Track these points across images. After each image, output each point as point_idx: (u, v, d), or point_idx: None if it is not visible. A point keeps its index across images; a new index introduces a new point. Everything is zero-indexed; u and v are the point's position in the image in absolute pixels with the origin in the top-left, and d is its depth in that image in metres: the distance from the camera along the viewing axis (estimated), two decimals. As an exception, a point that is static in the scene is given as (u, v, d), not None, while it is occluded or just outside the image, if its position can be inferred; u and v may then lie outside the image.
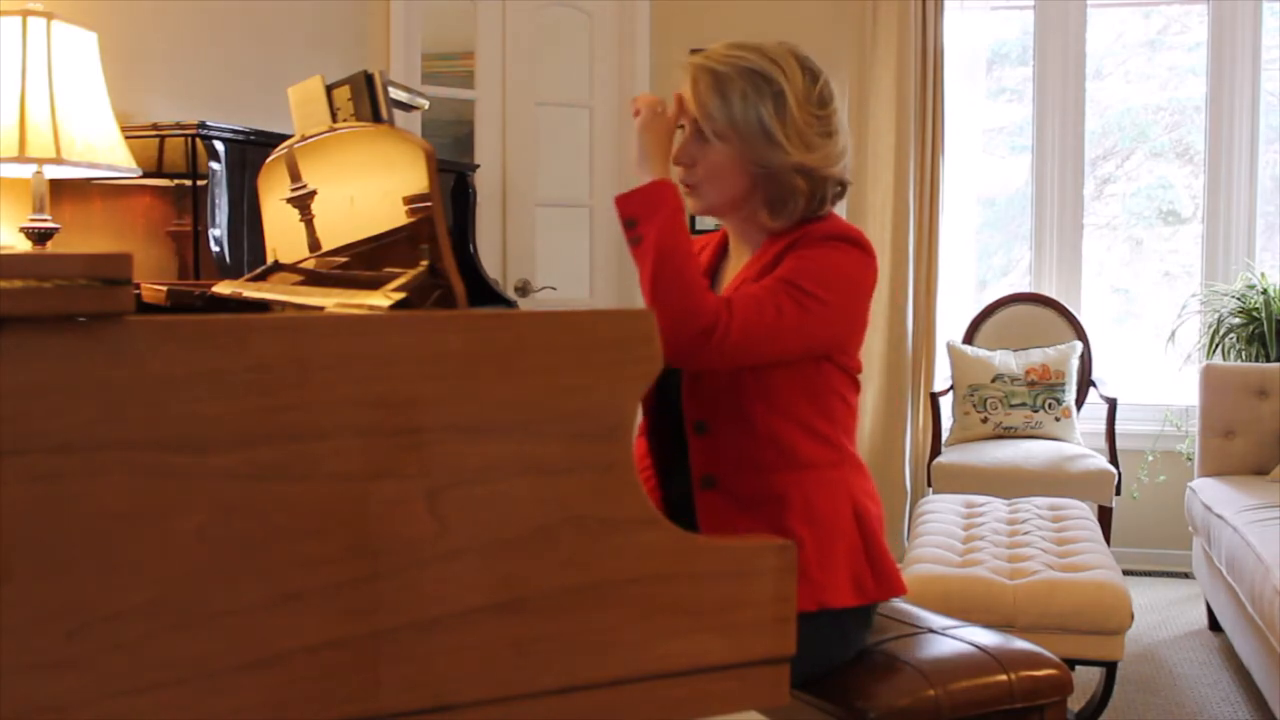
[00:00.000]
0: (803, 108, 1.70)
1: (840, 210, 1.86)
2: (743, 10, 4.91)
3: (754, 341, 1.59)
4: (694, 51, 1.80)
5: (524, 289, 4.60)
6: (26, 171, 2.55)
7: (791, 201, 1.72)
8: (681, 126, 1.75)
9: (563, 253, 4.84)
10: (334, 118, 1.60)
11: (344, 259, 1.58)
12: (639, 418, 1.89)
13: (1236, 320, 4.47)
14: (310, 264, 1.70)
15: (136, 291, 1.13)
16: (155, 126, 2.89)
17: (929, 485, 4.31)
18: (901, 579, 1.78)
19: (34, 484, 0.96)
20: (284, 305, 1.61)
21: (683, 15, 4.91)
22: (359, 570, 1.08)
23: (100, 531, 0.98)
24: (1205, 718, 3.08)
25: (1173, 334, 4.68)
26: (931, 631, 1.84)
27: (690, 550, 1.23)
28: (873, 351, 4.74)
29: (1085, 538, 3.15)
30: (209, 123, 2.85)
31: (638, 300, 1.67)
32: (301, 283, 1.69)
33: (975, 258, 5.11)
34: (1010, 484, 4.05)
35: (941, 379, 4.76)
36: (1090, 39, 4.93)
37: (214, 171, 2.84)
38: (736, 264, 1.84)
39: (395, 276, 1.32)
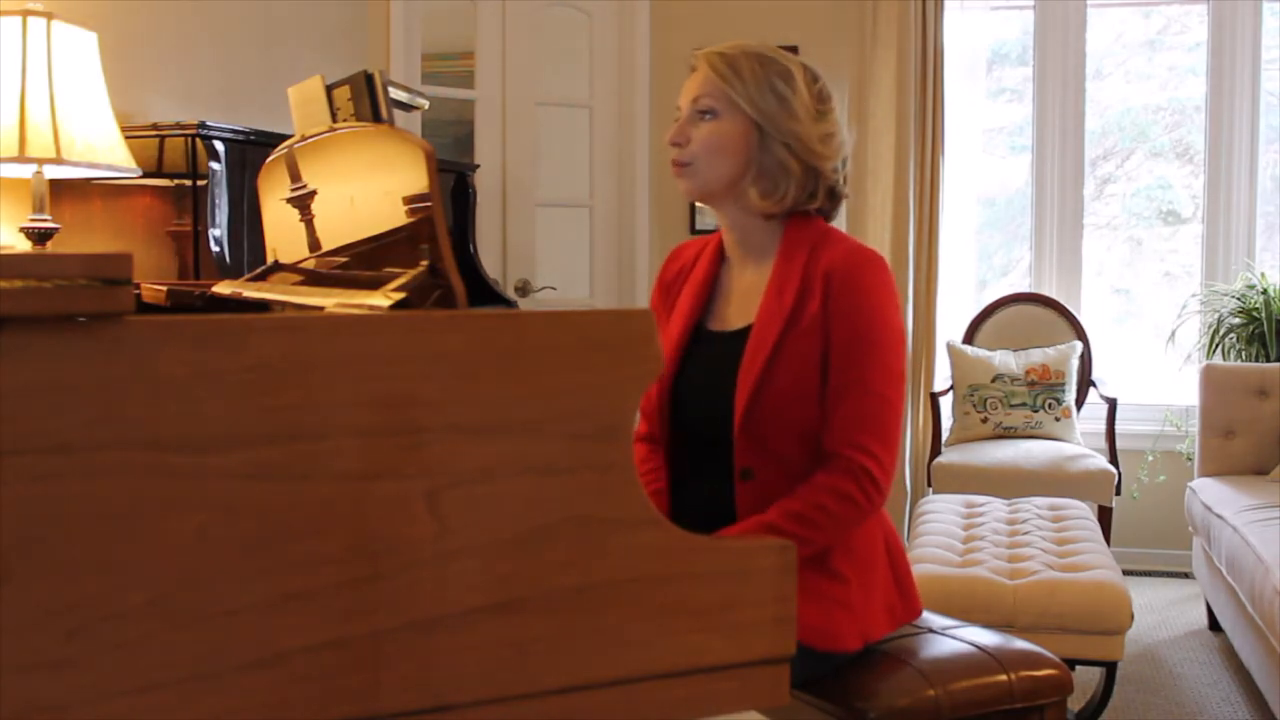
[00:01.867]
0: (809, 89, 1.76)
1: (840, 211, 1.87)
2: (743, 10, 4.91)
3: (890, 452, 1.69)
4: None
5: (524, 289, 4.60)
6: (26, 171, 2.55)
7: (784, 182, 1.74)
8: (678, 109, 1.80)
9: (563, 253, 4.84)
10: (334, 118, 1.60)
11: (344, 259, 1.58)
12: (639, 418, 1.90)
13: (1236, 320, 4.47)
14: (310, 264, 1.70)
15: (136, 291, 1.12)
16: (155, 126, 2.89)
17: (929, 485, 4.31)
18: (919, 599, 1.85)
19: (33, 484, 0.96)
20: (284, 305, 1.61)
21: (683, 15, 4.91)
22: (359, 570, 1.08)
23: (100, 531, 0.98)
24: (1205, 718, 3.08)
25: (1173, 334, 4.68)
26: (931, 631, 1.85)
27: (690, 550, 1.23)
28: (873, 351, 4.73)
29: (1085, 538, 3.15)
30: (209, 123, 2.85)
31: (638, 300, 1.68)
32: (301, 283, 1.68)
33: (975, 258, 5.11)
34: (1010, 484, 4.05)
35: (941, 379, 4.76)
36: (1090, 39, 4.92)
37: (214, 171, 2.84)
38: (741, 271, 1.84)
39: (395, 276, 1.32)
